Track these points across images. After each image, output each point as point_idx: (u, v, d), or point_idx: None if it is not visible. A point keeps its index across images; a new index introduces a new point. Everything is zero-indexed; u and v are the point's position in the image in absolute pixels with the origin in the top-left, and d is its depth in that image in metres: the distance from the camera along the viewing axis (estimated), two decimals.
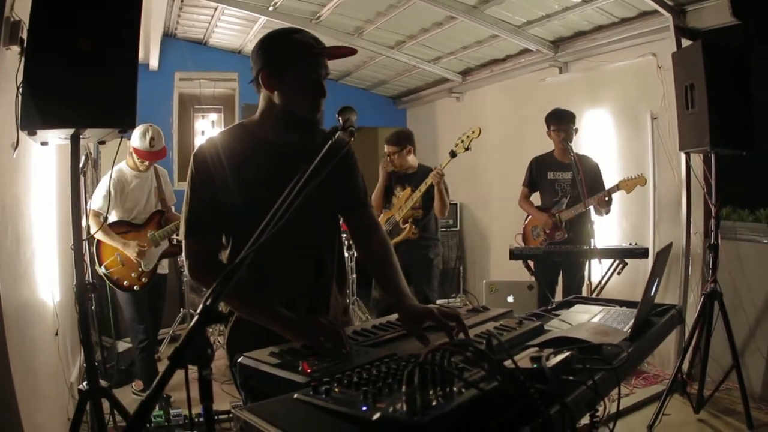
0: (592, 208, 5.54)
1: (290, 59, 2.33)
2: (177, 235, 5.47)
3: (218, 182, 2.32)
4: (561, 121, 5.76)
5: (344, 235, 7.02)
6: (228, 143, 2.41)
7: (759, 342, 5.27)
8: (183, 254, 2.37)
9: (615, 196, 5.51)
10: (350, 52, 2.53)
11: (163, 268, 5.68)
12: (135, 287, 5.30)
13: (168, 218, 5.54)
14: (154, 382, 1.30)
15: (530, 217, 6.17)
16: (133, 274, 5.27)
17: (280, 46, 2.38)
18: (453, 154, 5.79)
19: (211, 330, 6.82)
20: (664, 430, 4.65)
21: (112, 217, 5.28)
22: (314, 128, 2.39)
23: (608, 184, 5.81)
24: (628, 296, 3.10)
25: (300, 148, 2.25)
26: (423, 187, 5.80)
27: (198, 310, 1.41)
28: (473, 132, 5.73)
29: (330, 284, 2.59)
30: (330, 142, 2.01)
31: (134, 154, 5.34)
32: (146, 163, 5.40)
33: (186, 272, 2.37)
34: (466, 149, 5.78)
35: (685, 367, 5.07)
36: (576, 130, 5.81)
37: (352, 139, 2.13)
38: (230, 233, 2.43)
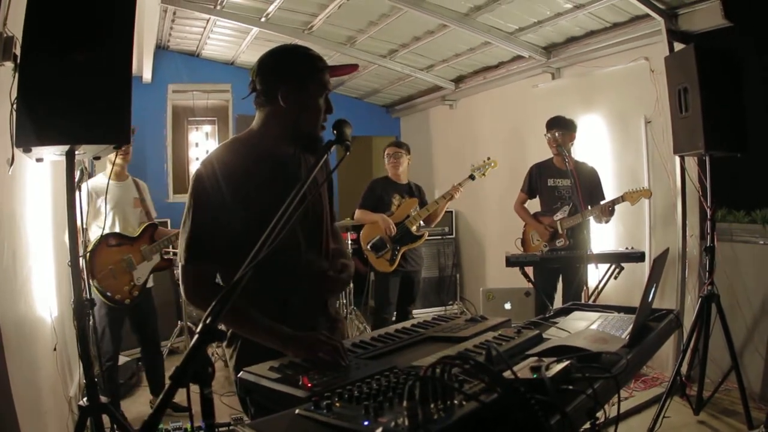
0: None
1: (308, 75, 2.40)
2: (170, 249, 5.47)
3: (220, 205, 2.32)
4: (553, 127, 5.81)
5: None
6: (228, 161, 2.40)
7: (757, 342, 5.28)
8: (180, 277, 2.37)
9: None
10: (353, 69, 2.63)
11: (149, 281, 5.49)
12: (126, 300, 5.18)
13: (159, 232, 5.50)
14: (158, 400, 1.30)
15: None
16: (125, 288, 5.17)
17: (299, 61, 2.43)
18: (472, 177, 6.41)
19: None
20: None
21: (96, 231, 5.10)
22: (318, 143, 2.41)
23: (605, 189, 5.84)
24: (626, 300, 3.11)
25: (302, 162, 2.30)
26: (442, 201, 6.41)
27: (198, 329, 1.41)
28: (493, 164, 6.47)
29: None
30: (326, 156, 2.05)
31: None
32: (125, 167, 5.31)
33: (182, 294, 2.37)
34: (483, 175, 6.49)
35: (684, 369, 5.07)
36: (573, 138, 5.83)
37: (348, 152, 2.15)
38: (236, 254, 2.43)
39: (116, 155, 5.14)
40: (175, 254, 5.85)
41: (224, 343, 2.51)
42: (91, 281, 4.96)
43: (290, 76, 2.39)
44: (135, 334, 5.65)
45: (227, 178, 2.34)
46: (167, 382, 1.37)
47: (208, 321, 1.43)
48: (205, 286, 2.34)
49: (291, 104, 2.39)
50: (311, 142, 2.41)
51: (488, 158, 6.47)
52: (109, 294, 5.09)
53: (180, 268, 2.36)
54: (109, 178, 4.93)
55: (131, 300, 5.22)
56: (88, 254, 4.91)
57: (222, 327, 2.32)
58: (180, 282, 2.36)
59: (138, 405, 5.78)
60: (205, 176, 2.36)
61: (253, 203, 2.30)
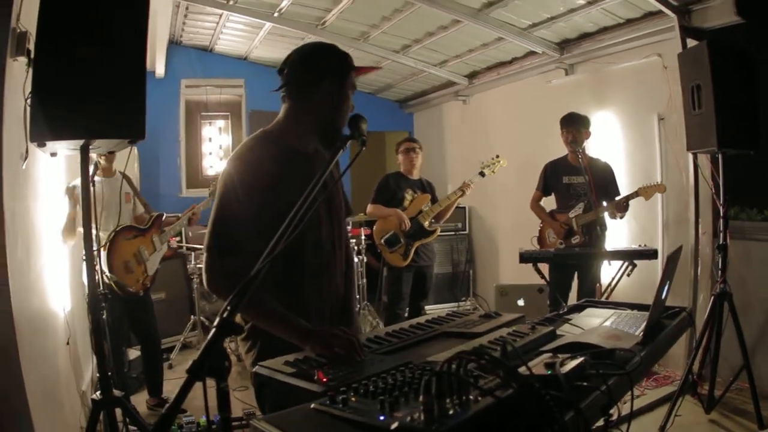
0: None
1: (345, 73, 2.47)
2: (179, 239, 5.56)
3: (246, 202, 2.35)
4: (567, 124, 5.80)
5: (353, 240, 7.34)
6: (254, 159, 2.43)
7: None
8: (204, 267, 2.38)
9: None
10: (375, 69, 2.74)
11: None
12: (140, 292, 5.25)
13: (165, 222, 5.57)
14: (175, 395, 1.31)
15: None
16: (139, 279, 5.24)
17: (338, 59, 2.49)
18: (482, 174, 6.50)
19: None
20: None
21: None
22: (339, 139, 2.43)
23: (619, 186, 5.83)
24: (638, 297, 3.08)
25: (323, 158, 2.37)
26: (454, 197, 6.43)
27: (215, 323, 1.42)
28: (502, 162, 6.55)
29: (352, 288, 2.78)
30: (342, 150, 2.09)
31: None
32: (112, 163, 5.31)
33: (204, 283, 2.38)
34: (492, 172, 6.58)
35: (696, 367, 5.05)
36: (588, 135, 5.82)
37: (364, 147, 2.16)
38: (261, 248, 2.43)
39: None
40: (181, 245, 5.97)
41: (242, 336, 2.51)
42: (110, 274, 4.97)
43: (330, 73, 2.44)
44: (133, 332, 5.68)
45: (253, 176, 2.37)
46: (166, 380, 1.38)
47: (225, 314, 1.44)
48: (229, 279, 2.31)
49: (327, 101, 2.45)
50: (336, 138, 2.43)
51: (497, 156, 6.52)
52: (123, 285, 5.10)
53: (205, 260, 2.38)
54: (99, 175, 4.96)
55: (144, 291, 5.30)
56: (107, 245, 4.94)
57: (239, 320, 2.34)
58: (203, 272, 2.37)
59: None
60: (232, 174, 2.39)
61: (278, 200, 2.28)
